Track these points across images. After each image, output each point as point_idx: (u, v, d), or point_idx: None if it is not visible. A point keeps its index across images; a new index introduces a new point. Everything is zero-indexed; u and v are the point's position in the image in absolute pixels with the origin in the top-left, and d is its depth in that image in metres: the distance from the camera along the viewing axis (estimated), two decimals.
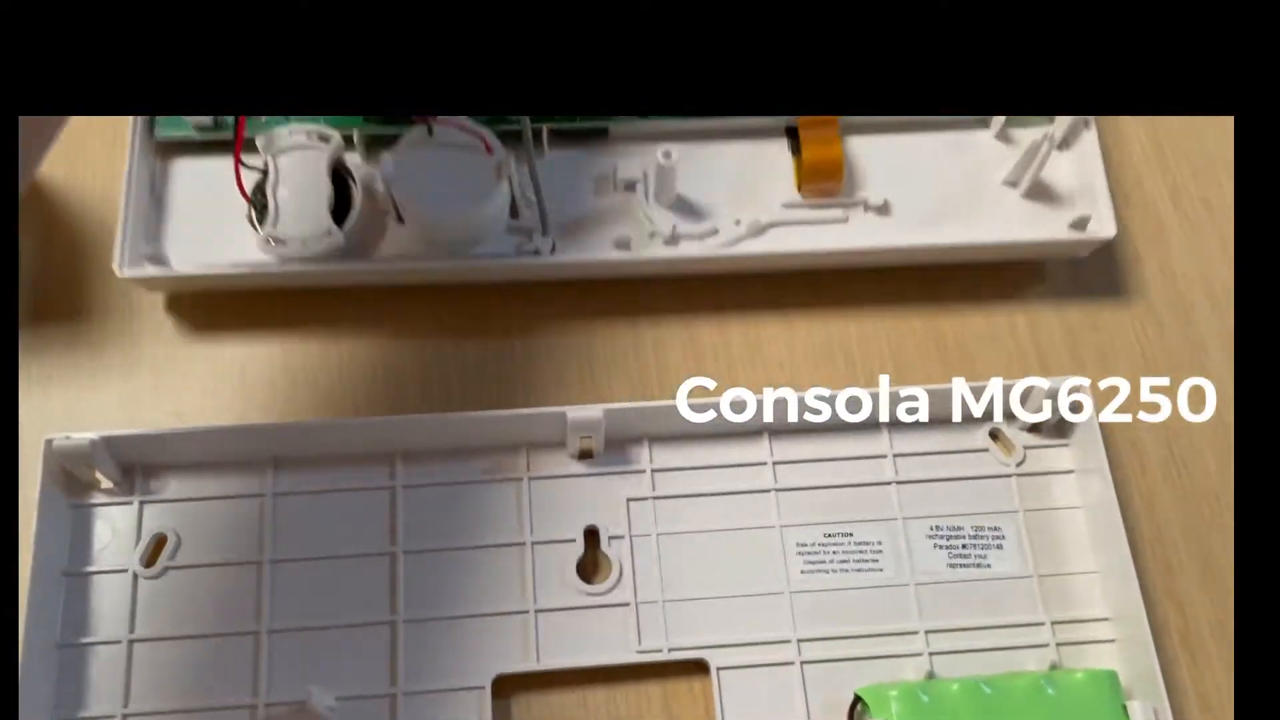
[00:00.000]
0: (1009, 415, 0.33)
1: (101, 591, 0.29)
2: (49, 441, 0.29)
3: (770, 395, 0.31)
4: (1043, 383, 0.31)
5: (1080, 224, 0.34)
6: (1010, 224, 0.35)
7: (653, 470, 0.31)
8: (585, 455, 0.31)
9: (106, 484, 0.30)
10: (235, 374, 0.33)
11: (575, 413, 0.30)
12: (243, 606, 0.29)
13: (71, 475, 0.30)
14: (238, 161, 0.31)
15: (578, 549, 0.31)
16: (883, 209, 0.34)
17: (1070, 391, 0.31)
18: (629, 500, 0.31)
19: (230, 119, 0.33)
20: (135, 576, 0.29)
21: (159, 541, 0.30)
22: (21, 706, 0.27)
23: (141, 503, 0.30)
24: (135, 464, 0.30)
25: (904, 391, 0.32)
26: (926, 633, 0.30)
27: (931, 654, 0.30)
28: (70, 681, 0.28)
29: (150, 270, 0.32)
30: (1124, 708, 0.28)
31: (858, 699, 0.29)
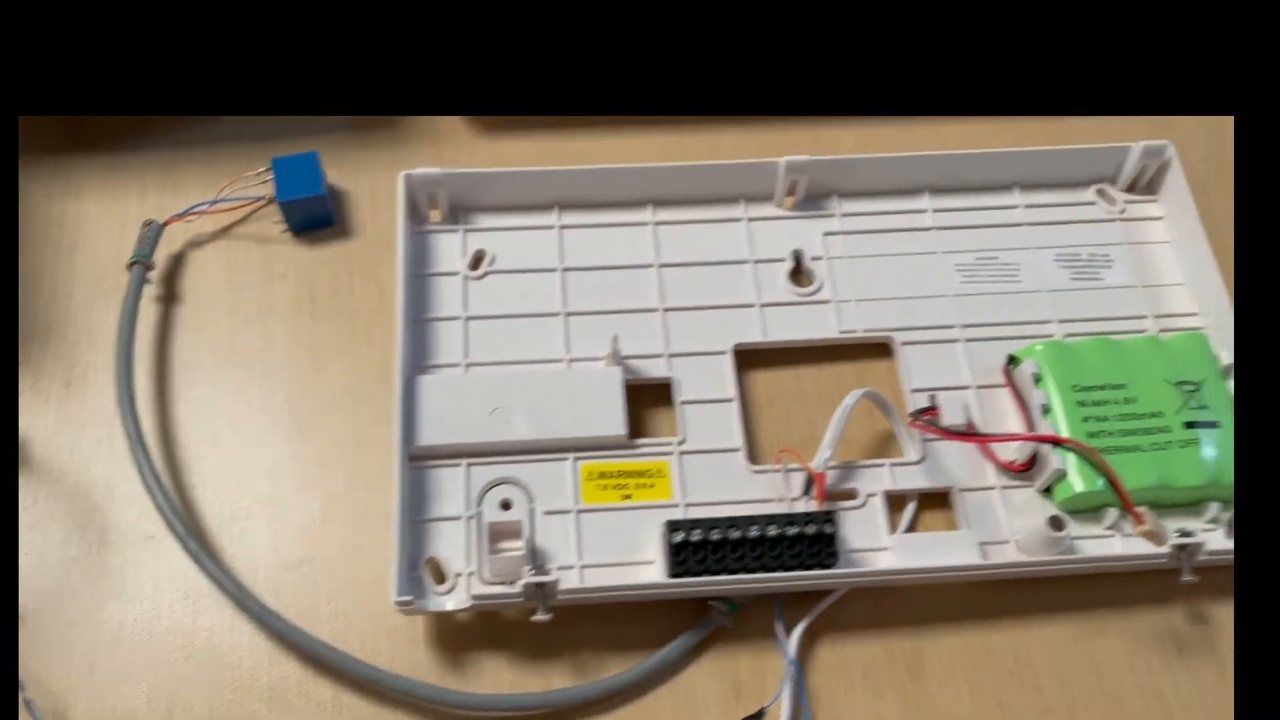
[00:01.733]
0: (1111, 179, 0.43)
1: (441, 288, 0.39)
2: (407, 175, 0.40)
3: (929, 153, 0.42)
4: (1136, 146, 0.41)
5: None
6: None
7: (842, 214, 0.42)
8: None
9: (436, 219, 0.41)
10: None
11: (788, 160, 0.40)
12: (547, 299, 0.39)
13: (415, 207, 0.40)
14: None
15: (788, 265, 0.41)
16: None
17: (1156, 154, 0.42)
18: (825, 234, 0.41)
19: None
20: (464, 279, 0.40)
21: (478, 257, 0.40)
22: (400, 357, 0.37)
23: (465, 230, 0.41)
24: (459, 205, 0.41)
25: (1028, 150, 0.42)
26: (1059, 321, 0.40)
27: (1065, 336, 0.39)
28: (421, 344, 0.38)
29: None
30: (1213, 356, 0.38)
31: (1011, 359, 0.38)
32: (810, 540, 0.33)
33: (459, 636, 0.35)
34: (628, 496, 0.36)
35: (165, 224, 0.41)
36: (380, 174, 0.43)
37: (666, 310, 0.39)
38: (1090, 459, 0.35)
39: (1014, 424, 0.37)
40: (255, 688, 0.34)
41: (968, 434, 0.36)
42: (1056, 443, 0.35)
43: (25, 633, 0.35)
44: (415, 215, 0.41)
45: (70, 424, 0.38)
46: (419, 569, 0.34)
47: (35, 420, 0.38)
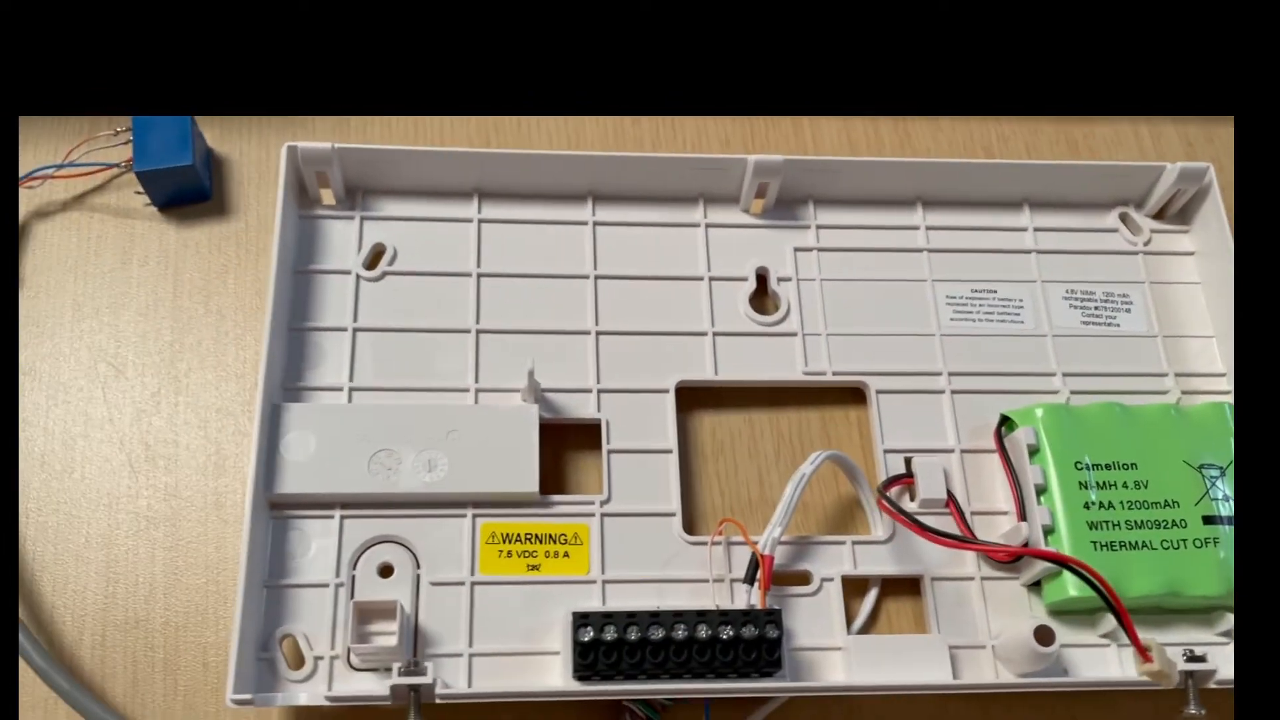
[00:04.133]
0: (1138, 202, 0.36)
1: (327, 288, 0.32)
2: (292, 147, 0.32)
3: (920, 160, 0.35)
4: (1171, 168, 0.35)
5: None
6: None
7: (818, 226, 0.35)
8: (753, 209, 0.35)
9: (328, 201, 0.34)
10: None
11: (757, 159, 0.33)
12: (456, 309, 0.33)
13: (303, 187, 0.33)
14: None
15: (749, 285, 0.34)
16: None
17: (1194, 178, 0.35)
18: (796, 250, 0.34)
19: None
20: (357, 278, 0.33)
21: (377, 252, 0.33)
22: (263, 377, 0.30)
23: (362, 218, 0.34)
24: (357, 187, 0.34)
25: (1042, 164, 0.35)
26: (1063, 374, 0.33)
27: (1070, 393, 0.33)
28: (296, 359, 0.31)
29: None
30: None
31: (1004, 419, 0.32)
32: (749, 645, 0.27)
33: None
34: (535, 567, 0.30)
35: None
36: (272, 143, 0.36)
37: (600, 334, 0.33)
38: (1090, 579, 0.29)
39: (1003, 499, 0.31)
40: None
41: (940, 535, 0.29)
42: (1052, 559, 0.29)
43: None
44: (302, 197, 0.33)
45: None
46: (271, 649, 0.28)
47: None
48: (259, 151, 0.36)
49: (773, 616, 0.28)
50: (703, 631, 0.27)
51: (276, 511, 0.29)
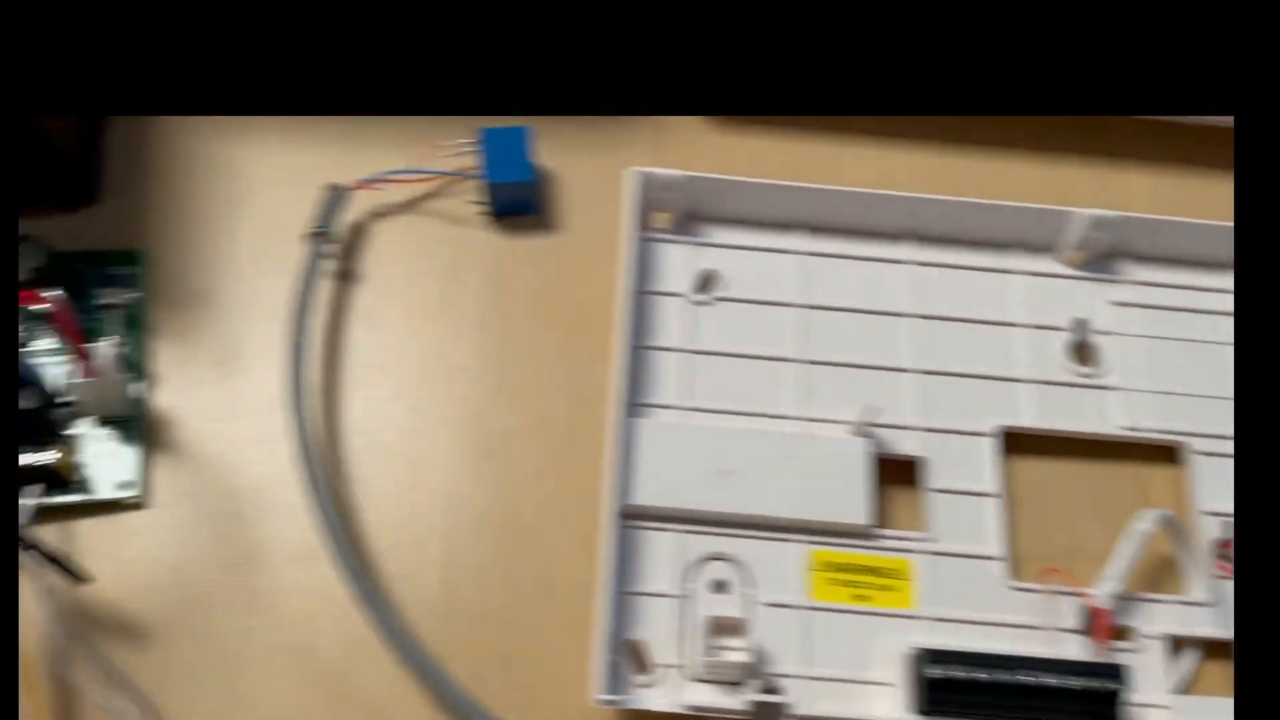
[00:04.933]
0: None
1: (661, 310, 0.34)
2: (641, 172, 0.34)
3: None
4: None
5: None
6: None
7: (1135, 282, 0.35)
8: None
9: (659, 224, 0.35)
10: None
11: (1094, 214, 0.34)
12: (782, 338, 0.34)
13: (645, 210, 0.34)
14: None
15: (1066, 336, 0.34)
16: None
17: None
18: (1112, 303, 0.35)
19: None
20: (688, 302, 0.34)
21: (708, 277, 0.34)
22: (617, 392, 0.32)
23: (694, 243, 0.35)
24: (689, 213, 0.35)
25: None
26: None
27: None
28: (639, 377, 0.33)
29: None
30: None
31: None
32: (1090, 697, 0.28)
33: None
34: (862, 598, 0.31)
35: (351, 190, 0.35)
36: (593, 161, 0.37)
37: (924, 373, 0.34)
38: None
39: None
40: None
41: None
42: None
43: (154, 651, 0.30)
44: (641, 220, 0.35)
45: (225, 413, 0.33)
46: (618, 653, 0.29)
47: (187, 401, 0.33)
48: (581, 169, 0.37)
49: (1115, 670, 0.28)
50: (1050, 679, 0.28)
51: (626, 523, 0.31)
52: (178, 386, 0.33)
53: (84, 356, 0.30)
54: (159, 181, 0.36)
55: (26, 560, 0.29)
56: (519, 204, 0.36)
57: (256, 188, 0.36)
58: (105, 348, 0.31)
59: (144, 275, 0.34)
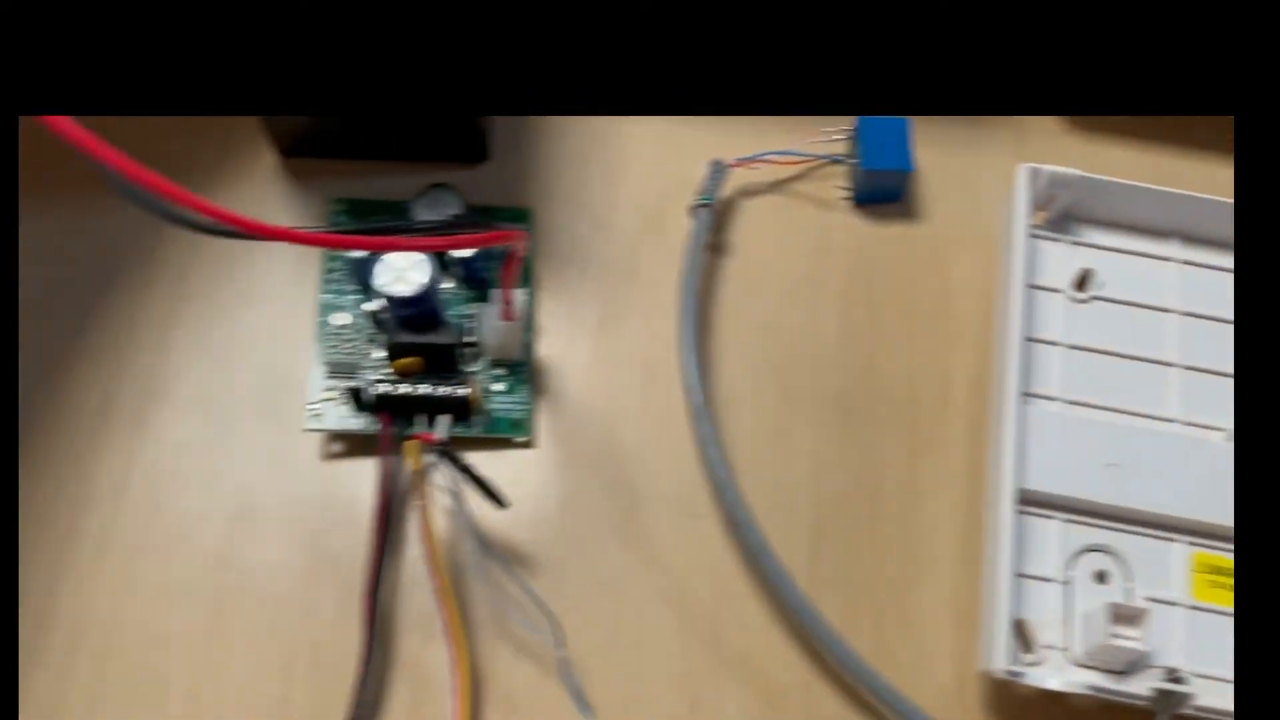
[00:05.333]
0: None
1: (1040, 304, 0.34)
2: (1034, 169, 0.34)
3: None
4: None
5: None
6: None
7: None
8: None
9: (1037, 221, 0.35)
10: None
11: None
12: (1157, 341, 0.34)
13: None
14: None
15: None
16: None
17: None
18: None
19: None
20: (1067, 298, 0.35)
21: (1085, 276, 0.35)
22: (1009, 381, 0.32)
23: (1073, 242, 0.35)
24: (1068, 213, 0.35)
25: None
26: None
27: None
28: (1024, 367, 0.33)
29: None
30: None
31: None
32: None
33: (1021, 712, 0.31)
34: None
35: (731, 166, 0.37)
36: (955, 157, 0.38)
37: None
38: None
39: None
40: (788, 707, 0.31)
41: None
42: None
43: (544, 578, 0.32)
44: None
45: (604, 367, 0.35)
46: (1008, 628, 0.30)
47: (568, 353, 0.35)
48: (942, 162, 0.38)
49: None
50: None
51: (1019, 507, 0.31)
52: (559, 338, 0.35)
53: (509, 301, 0.32)
54: (543, 146, 0.38)
55: (457, 479, 0.31)
56: (886, 192, 0.37)
57: (634, 158, 0.38)
58: (521, 296, 0.33)
59: (531, 232, 0.37)
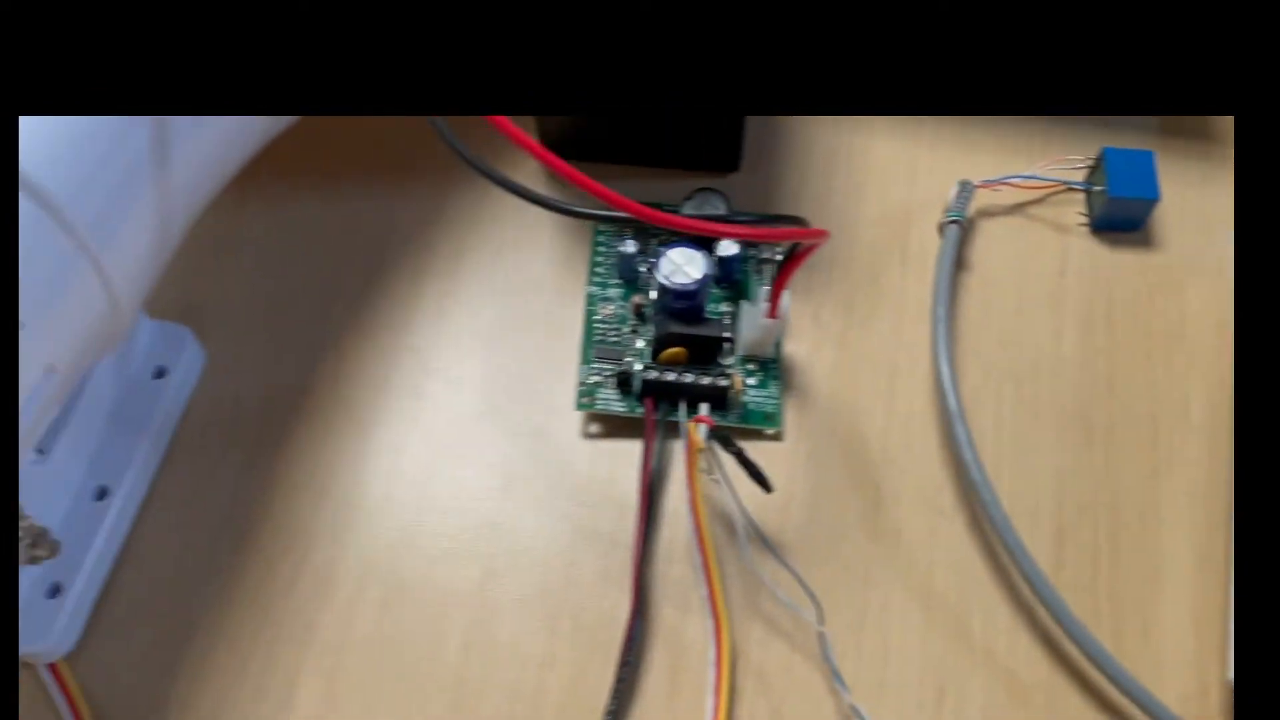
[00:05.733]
0: None
1: None
2: None
3: None
4: None
5: None
6: None
7: None
8: None
9: None
10: None
11: None
12: None
13: None
14: None
15: None
16: None
17: None
18: None
19: None
20: None
21: None
22: None
23: None
24: None
25: None
26: None
27: None
28: None
29: None
30: None
31: None
32: None
33: None
34: None
35: (976, 187, 0.39)
36: (1192, 186, 0.40)
37: None
38: None
39: None
40: (1032, 704, 0.32)
41: None
42: None
43: (794, 563, 0.34)
44: None
45: (849, 368, 0.37)
46: None
47: (815, 353, 0.37)
48: (1178, 191, 0.40)
49: None
50: None
51: None
52: (806, 340, 0.38)
53: (778, 299, 0.34)
54: (791, 159, 0.41)
55: (727, 461, 0.33)
56: (1127, 220, 0.38)
57: (877, 175, 0.40)
58: (786, 295, 0.35)
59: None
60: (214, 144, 0.31)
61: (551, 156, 0.23)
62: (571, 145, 0.39)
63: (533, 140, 0.22)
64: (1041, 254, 0.39)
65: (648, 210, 0.26)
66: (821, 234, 0.30)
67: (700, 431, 0.33)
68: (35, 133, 0.25)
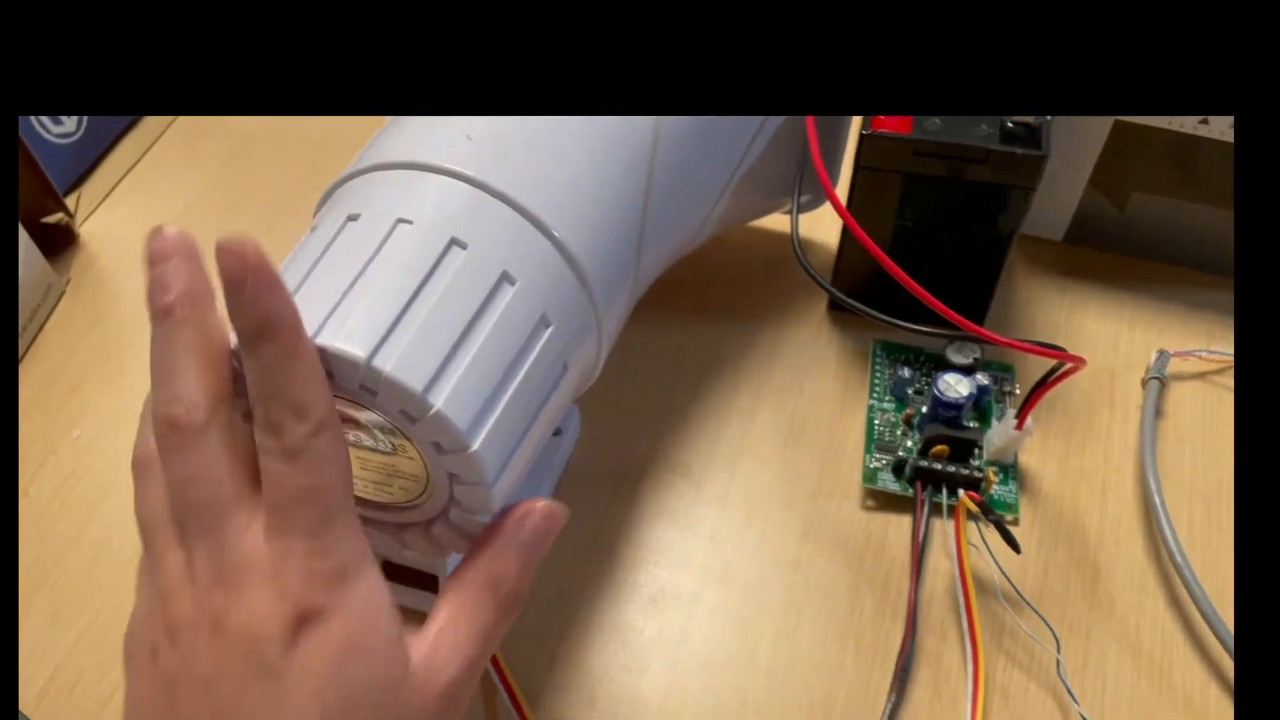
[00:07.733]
0: None
1: None
2: None
3: None
4: None
5: None
6: None
7: None
8: None
9: None
10: None
11: None
12: None
13: None
14: None
15: None
16: None
17: None
18: None
19: None
20: None
21: None
22: None
23: None
24: None
25: None
26: None
27: None
28: None
29: None
30: None
31: None
32: None
33: None
34: None
35: (1172, 355, 0.51)
36: None
37: None
38: None
39: None
40: None
41: None
42: None
43: (1032, 616, 0.44)
44: None
45: (1068, 478, 0.48)
46: None
47: (1043, 466, 0.49)
48: None
49: None
50: None
51: None
52: (1035, 455, 0.49)
53: (1027, 417, 0.46)
54: (1023, 322, 0.53)
55: (977, 520, 0.44)
56: None
57: (1089, 340, 0.52)
58: (1031, 416, 0.47)
59: (1014, 378, 0.51)
60: (680, 241, 0.44)
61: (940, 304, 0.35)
62: (859, 297, 0.52)
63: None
64: (1222, 407, 0.50)
65: (988, 333, 0.39)
66: (1080, 360, 0.42)
67: (968, 503, 0.45)
68: (571, 211, 0.37)
